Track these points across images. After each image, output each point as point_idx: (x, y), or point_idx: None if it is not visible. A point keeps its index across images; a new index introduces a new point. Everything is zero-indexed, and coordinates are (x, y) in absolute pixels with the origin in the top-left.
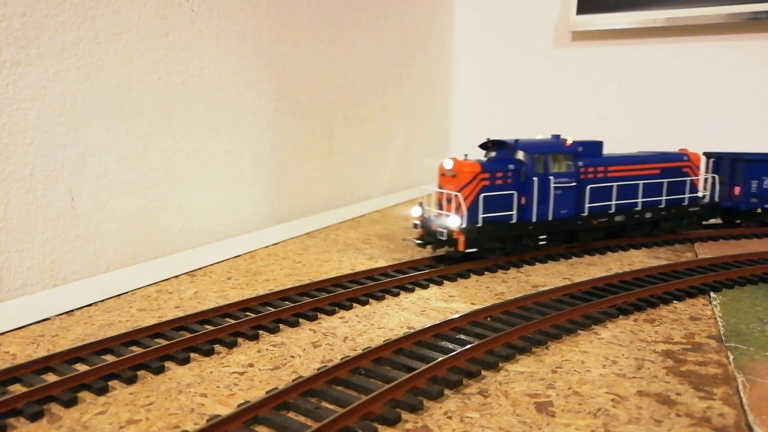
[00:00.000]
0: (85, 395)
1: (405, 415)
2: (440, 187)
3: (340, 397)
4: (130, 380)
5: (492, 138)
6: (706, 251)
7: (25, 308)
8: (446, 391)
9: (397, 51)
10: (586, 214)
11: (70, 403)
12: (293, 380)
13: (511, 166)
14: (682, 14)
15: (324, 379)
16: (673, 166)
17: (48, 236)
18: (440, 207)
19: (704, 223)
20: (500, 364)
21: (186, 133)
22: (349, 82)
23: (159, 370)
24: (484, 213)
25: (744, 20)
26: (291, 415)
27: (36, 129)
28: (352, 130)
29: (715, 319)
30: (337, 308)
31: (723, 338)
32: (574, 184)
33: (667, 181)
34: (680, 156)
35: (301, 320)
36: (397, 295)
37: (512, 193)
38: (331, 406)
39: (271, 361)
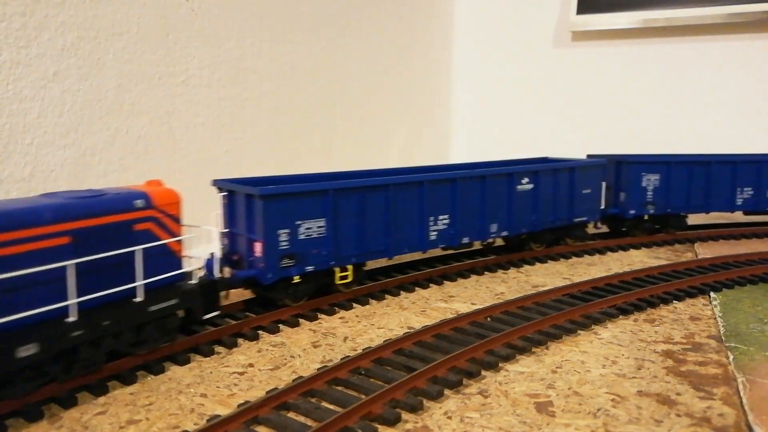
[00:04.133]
0: (85, 395)
1: (405, 415)
2: None
3: (340, 398)
4: (130, 380)
5: None
6: (706, 251)
7: None
8: (446, 391)
9: (397, 51)
10: None
11: (70, 403)
12: (293, 380)
13: None
14: (682, 14)
15: (324, 380)
16: (104, 223)
17: None
18: None
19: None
20: (500, 364)
21: (186, 133)
22: (349, 82)
23: (159, 370)
24: None
25: (744, 21)
26: (291, 415)
27: (36, 129)
28: (352, 130)
29: (715, 319)
30: (336, 308)
31: (723, 338)
32: None
33: (77, 263)
34: (125, 200)
35: (301, 320)
36: (397, 295)
37: None
38: (332, 406)
39: (271, 361)
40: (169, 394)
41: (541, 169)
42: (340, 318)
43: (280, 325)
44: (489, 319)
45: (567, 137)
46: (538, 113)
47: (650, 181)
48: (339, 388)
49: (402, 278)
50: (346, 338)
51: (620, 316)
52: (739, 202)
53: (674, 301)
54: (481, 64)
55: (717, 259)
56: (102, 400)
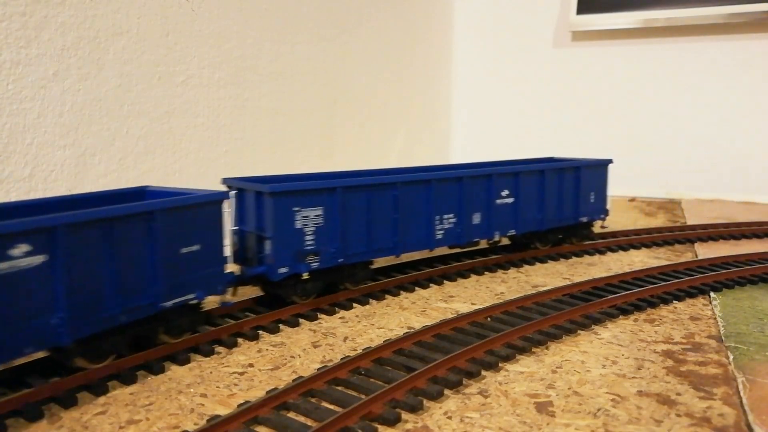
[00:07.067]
0: (85, 395)
1: (405, 415)
2: None
3: (340, 398)
4: (130, 380)
5: None
6: (706, 251)
7: None
8: (446, 391)
9: (397, 51)
10: None
11: (70, 403)
12: (293, 380)
13: None
14: (682, 14)
15: (324, 380)
16: None
17: None
18: None
19: None
20: (500, 364)
21: (186, 133)
22: (349, 83)
23: (159, 370)
24: None
25: (744, 21)
26: (291, 415)
27: (36, 129)
28: (352, 130)
29: (715, 319)
30: (337, 308)
31: (723, 338)
32: None
33: None
34: None
35: (301, 320)
36: (397, 295)
37: None
38: (332, 406)
39: (271, 361)
40: (169, 394)
41: (79, 221)
42: (340, 318)
43: (280, 325)
44: (489, 319)
45: (567, 137)
46: (538, 113)
47: (309, 218)
48: (339, 388)
49: (402, 278)
50: (346, 338)
51: (620, 316)
52: (439, 235)
53: (674, 301)
54: (481, 65)
55: (717, 259)
56: (102, 400)
